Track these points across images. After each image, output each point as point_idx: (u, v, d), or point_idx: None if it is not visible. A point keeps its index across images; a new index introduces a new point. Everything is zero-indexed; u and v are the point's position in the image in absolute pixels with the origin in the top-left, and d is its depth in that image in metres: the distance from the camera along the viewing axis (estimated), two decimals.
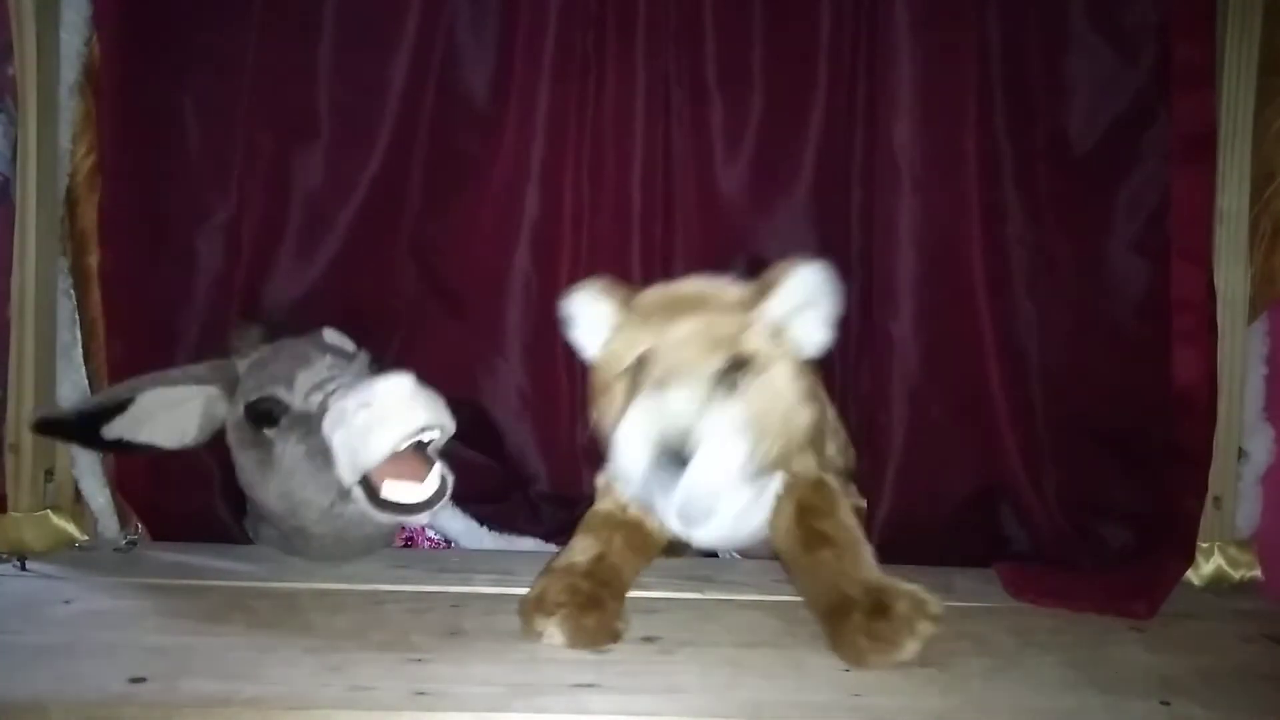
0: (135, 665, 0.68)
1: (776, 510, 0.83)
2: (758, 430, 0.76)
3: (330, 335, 0.95)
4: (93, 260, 0.99)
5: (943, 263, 0.92)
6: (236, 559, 0.93)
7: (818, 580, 0.79)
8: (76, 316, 0.98)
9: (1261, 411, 0.93)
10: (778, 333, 0.80)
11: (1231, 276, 0.90)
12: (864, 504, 0.92)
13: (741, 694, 0.67)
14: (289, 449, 0.85)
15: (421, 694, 0.65)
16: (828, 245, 0.99)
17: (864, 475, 0.95)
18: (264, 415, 0.87)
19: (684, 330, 0.79)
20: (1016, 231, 0.95)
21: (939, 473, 0.95)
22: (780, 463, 0.80)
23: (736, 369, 0.77)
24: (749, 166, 0.99)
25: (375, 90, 0.98)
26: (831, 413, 0.94)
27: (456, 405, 0.89)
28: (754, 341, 0.79)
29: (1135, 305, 0.92)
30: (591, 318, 0.86)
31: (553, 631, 0.74)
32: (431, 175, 1.02)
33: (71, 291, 0.98)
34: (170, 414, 0.88)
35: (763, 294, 0.81)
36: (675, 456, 0.72)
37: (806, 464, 0.84)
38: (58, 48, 0.95)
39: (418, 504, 0.85)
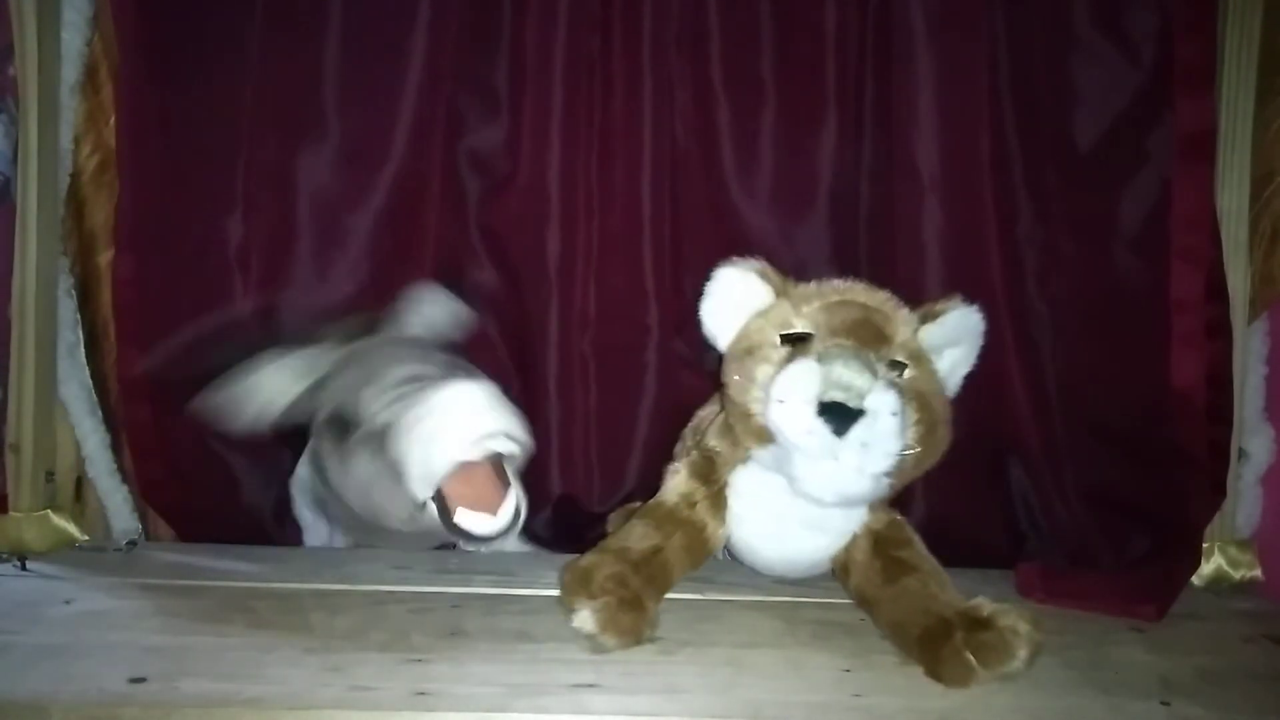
0: (135, 665, 0.68)
1: (851, 546, 0.82)
2: (914, 423, 0.74)
3: (430, 307, 0.93)
4: (101, 260, 0.99)
5: (964, 265, 0.93)
6: (236, 559, 0.93)
7: (905, 608, 0.76)
8: (78, 317, 0.99)
9: (1261, 411, 0.93)
10: (925, 358, 0.79)
11: (1232, 276, 0.90)
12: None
13: (741, 694, 0.67)
14: (363, 464, 0.83)
15: (421, 694, 0.65)
16: (838, 247, 0.99)
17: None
18: (339, 429, 0.85)
19: (852, 317, 0.78)
20: (1026, 231, 0.95)
21: (966, 474, 0.95)
22: (906, 480, 0.78)
23: (896, 368, 0.76)
24: (757, 168, 0.99)
25: (383, 95, 0.97)
26: None
27: None
28: (923, 360, 0.78)
29: (1143, 305, 0.92)
30: (743, 295, 0.83)
31: (586, 616, 0.73)
32: (440, 179, 1.02)
33: (73, 291, 0.98)
34: (269, 392, 0.87)
35: (926, 318, 0.80)
36: (843, 408, 0.70)
37: (882, 506, 0.83)
38: (59, 48, 0.95)
39: (490, 535, 0.81)
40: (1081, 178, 0.95)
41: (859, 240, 1.00)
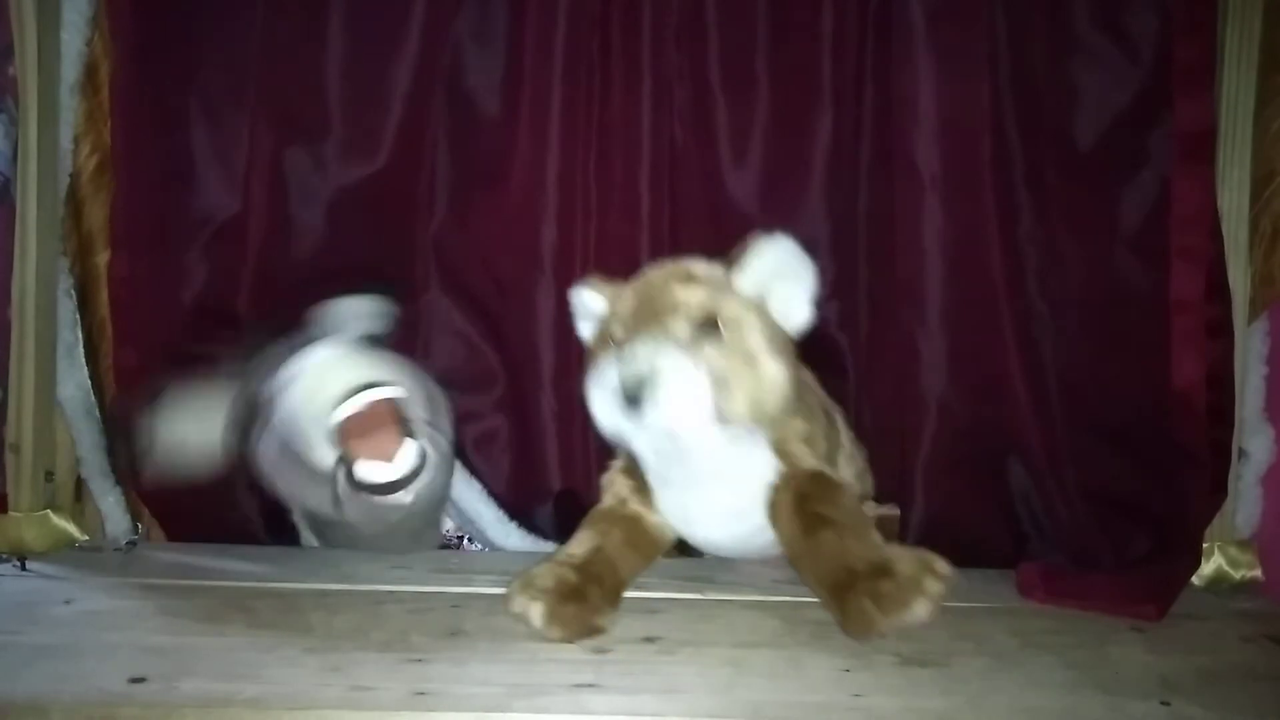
0: (135, 665, 0.68)
1: (776, 504, 0.82)
2: (722, 376, 0.75)
3: (342, 313, 0.94)
4: (99, 260, 0.99)
5: (964, 265, 0.93)
6: (236, 559, 0.93)
7: (820, 562, 0.78)
8: (77, 317, 0.99)
9: (1261, 411, 0.93)
10: (753, 304, 0.80)
11: (1232, 276, 0.90)
12: (898, 512, 0.92)
13: (741, 694, 0.67)
14: (266, 452, 0.86)
15: (421, 694, 0.65)
16: (836, 246, 0.99)
17: (894, 481, 0.96)
18: (246, 426, 0.87)
19: (641, 304, 0.80)
20: (1027, 231, 0.96)
21: (967, 475, 0.95)
22: (756, 417, 0.79)
23: (705, 329, 0.77)
24: (755, 166, 1.00)
25: (381, 93, 0.98)
26: (848, 436, 0.94)
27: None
28: (725, 308, 0.79)
29: (1143, 305, 0.92)
30: (586, 309, 0.88)
31: (534, 613, 0.75)
32: (440, 178, 1.02)
33: (72, 292, 0.98)
34: (198, 424, 0.88)
35: (731, 267, 0.81)
36: (635, 399, 0.73)
37: (803, 455, 0.83)
38: (59, 48, 0.95)
39: (389, 483, 0.84)
40: (1082, 177, 0.95)
41: (858, 239, 1.00)
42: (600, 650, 0.74)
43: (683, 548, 0.92)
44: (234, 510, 1.00)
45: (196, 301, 0.99)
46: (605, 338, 0.83)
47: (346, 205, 0.99)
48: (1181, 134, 0.89)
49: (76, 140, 0.97)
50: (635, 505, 0.86)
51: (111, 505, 0.99)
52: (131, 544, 0.97)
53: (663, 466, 0.81)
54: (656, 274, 0.84)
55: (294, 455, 0.84)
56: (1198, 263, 0.88)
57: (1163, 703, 0.67)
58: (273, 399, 0.86)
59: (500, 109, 1.00)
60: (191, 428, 0.87)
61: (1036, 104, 0.94)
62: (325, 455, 0.83)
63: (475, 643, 0.75)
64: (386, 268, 1.02)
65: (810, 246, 0.98)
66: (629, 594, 0.84)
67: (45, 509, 0.96)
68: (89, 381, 0.99)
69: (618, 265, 1.00)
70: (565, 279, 1.00)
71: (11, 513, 0.95)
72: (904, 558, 0.74)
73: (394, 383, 0.84)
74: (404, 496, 0.85)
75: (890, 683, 0.69)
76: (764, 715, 0.65)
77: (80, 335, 0.99)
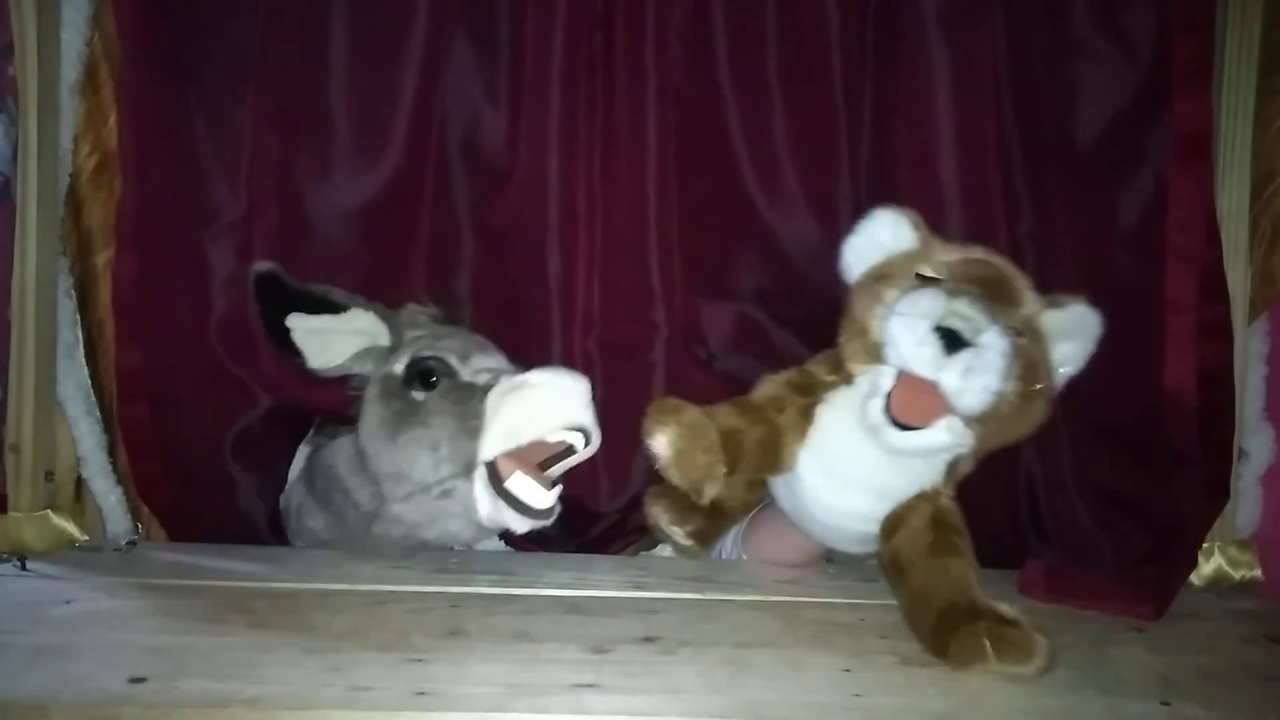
0: (135, 665, 0.68)
1: (912, 509, 0.82)
2: (1013, 391, 0.77)
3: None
4: (99, 260, 0.98)
5: None
6: (236, 559, 0.93)
7: (940, 581, 0.77)
8: (78, 317, 0.99)
9: (1261, 411, 0.93)
10: (1041, 335, 0.82)
11: (1231, 276, 0.90)
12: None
13: (741, 694, 0.67)
14: (442, 410, 0.86)
15: (421, 694, 0.65)
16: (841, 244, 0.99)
17: None
18: (426, 373, 0.87)
19: (984, 273, 0.82)
20: (1027, 230, 0.96)
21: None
22: (990, 439, 0.80)
23: (1013, 331, 0.79)
24: (764, 165, 1.00)
25: (385, 94, 0.97)
26: None
27: None
28: (1025, 326, 0.81)
29: (1140, 305, 0.92)
30: (891, 236, 0.86)
31: (663, 441, 0.79)
32: (441, 179, 1.02)
33: (73, 291, 0.98)
34: (343, 339, 0.89)
35: (1050, 303, 0.83)
36: (959, 344, 0.75)
37: (951, 491, 0.85)
38: (59, 47, 0.94)
39: (535, 509, 0.85)
40: (1080, 177, 0.95)
41: None
42: (600, 650, 0.74)
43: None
44: (237, 511, 1.00)
45: (202, 302, 0.98)
46: (909, 274, 0.82)
47: (351, 207, 0.99)
48: (1179, 134, 0.89)
49: (76, 140, 0.97)
50: (787, 420, 0.84)
51: (112, 505, 0.99)
52: (131, 544, 0.97)
53: (855, 437, 0.81)
54: (994, 258, 0.84)
55: (466, 427, 0.85)
56: (1192, 263, 0.88)
57: (1163, 703, 0.68)
58: (485, 375, 0.88)
59: (503, 110, 1.00)
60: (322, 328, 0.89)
61: (1036, 103, 0.95)
62: (490, 450, 0.84)
63: (475, 643, 0.75)
64: (389, 271, 1.01)
65: (819, 244, 0.99)
66: (629, 594, 0.85)
67: (45, 509, 0.96)
68: (89, 381, 0.99)
69: (626, 266, 1.00)
70: (569, 281, 1.00)
71: (11, 513, 0.95)
72: (1022, 619, 0.74)
73: (593, 440, 0.86)
74: (521, 525, 0.86)
75: (890, 683, 0.70)
76: (764, 715, 0.65)
77: (80, 335, 0.99)
